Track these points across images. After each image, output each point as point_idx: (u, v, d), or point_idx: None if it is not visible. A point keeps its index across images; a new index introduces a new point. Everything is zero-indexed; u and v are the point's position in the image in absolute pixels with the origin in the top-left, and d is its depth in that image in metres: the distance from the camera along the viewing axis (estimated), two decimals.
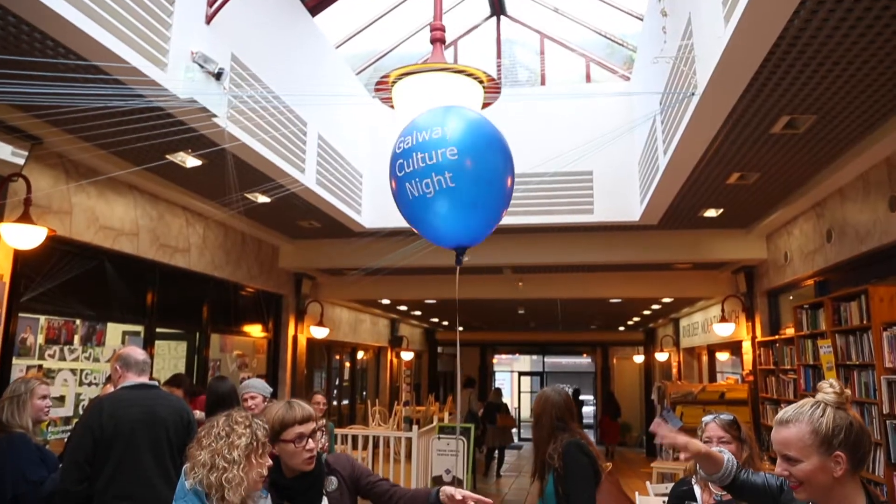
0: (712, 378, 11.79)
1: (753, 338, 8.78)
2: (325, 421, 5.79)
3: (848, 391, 1.87)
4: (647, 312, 14.18)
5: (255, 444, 2.17)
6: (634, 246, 8.18)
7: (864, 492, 1.80)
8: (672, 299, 11.66)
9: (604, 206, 7.13)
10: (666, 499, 2.92)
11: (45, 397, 3.69)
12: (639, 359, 18.47)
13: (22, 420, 3.54)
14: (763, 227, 7.60)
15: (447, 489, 2.35)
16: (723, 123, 4.52)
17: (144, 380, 3.56)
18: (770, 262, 8.10)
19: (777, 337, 7.98)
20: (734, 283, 9.41)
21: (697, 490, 2.72)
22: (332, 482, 2.55)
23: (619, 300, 11.82)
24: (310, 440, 2.45)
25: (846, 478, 1.78)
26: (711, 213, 7.14)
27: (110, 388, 3.74)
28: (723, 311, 9.38)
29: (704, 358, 12.82)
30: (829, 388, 1.85)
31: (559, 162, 6.27)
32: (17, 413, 3.53)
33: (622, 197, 7.09)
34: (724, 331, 9.37)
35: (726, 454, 2.14)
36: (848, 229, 5.91)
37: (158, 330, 7.07)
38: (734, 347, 10.43)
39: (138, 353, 3.64)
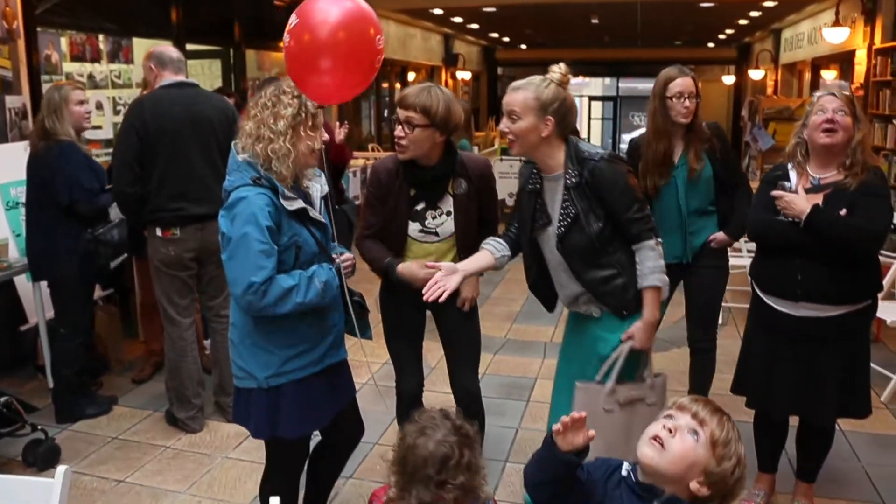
0: None
1: (870, 45, 8.32)
2: None
3: (570, 76, 2.48)
4: (743, 22, 13.39)
5: (303, 114, 2.26)
6: None
7: (565, 149, 2.50)
8: (776, 2, 10.93)
9: None
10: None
11: (82, 103, 3.84)
12: (729, 80, 17.87)
13: (63, 128, 3.73)
14: None
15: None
16: None
17: (182, 78, 3.68)
18: None
19: None
20: None
21: (793, 174, 2.78)
22: (461, 185, 2.81)
23: (712, 4, 11.13)
24: (400, 126, 2.69)
25: (552, 139, 2.47)
26: None
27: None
28: (837, 14, 8.79)
29: (807, 75, 12.31)
30: (557, 69, 2.47)
31: None
32: (58, 121, 3.72)
33: None
34: (835, 37, 8.85)
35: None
36: None
37: (189, 47, 7.08)
38: (844, 61, 9.93)
39: (172, 50, 3.72)
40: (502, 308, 6.02)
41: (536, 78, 2.48)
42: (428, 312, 3.02)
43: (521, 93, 2.45)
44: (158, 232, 3.62)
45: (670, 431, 1.50)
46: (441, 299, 2.45)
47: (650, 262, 2.49)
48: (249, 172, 2.23)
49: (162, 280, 3.71)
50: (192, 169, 3.58)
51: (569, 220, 2.50)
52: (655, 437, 1.51)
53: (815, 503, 3.07)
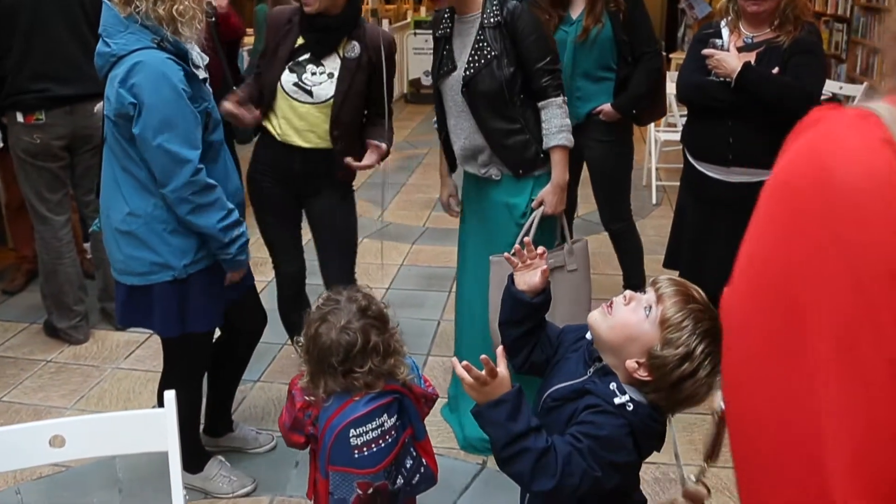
0: None
1: None
2: None
3: None
4: None
5: None
6: None
7: None
8: None
9: None
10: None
11: None
12: None
13: None
14: None
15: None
16: None
17: None
18: None
19: None
20: None
21: (725, 32, 2.84)
22: (355, 48, 2.76)
23: None
24: None
25: None
26: None
27: None
28: None
29: None
30: None
31: None
32: None
33: None
34: None
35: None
36: None
37: None
38: None
39: None
40: (420, 195, 6.05)
41: None
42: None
43: None
44: (20, 117, 3.46)
45: (626, 300, 1.50)
46: None
47: (557, 121, 2.61)
48: (147, 34, 2.16)
49: (28, 174, 3.56)
50: (56, 44, 3.41)
51: (481, 61, 2.57)
52: (611, 304, 1.51)
53: None
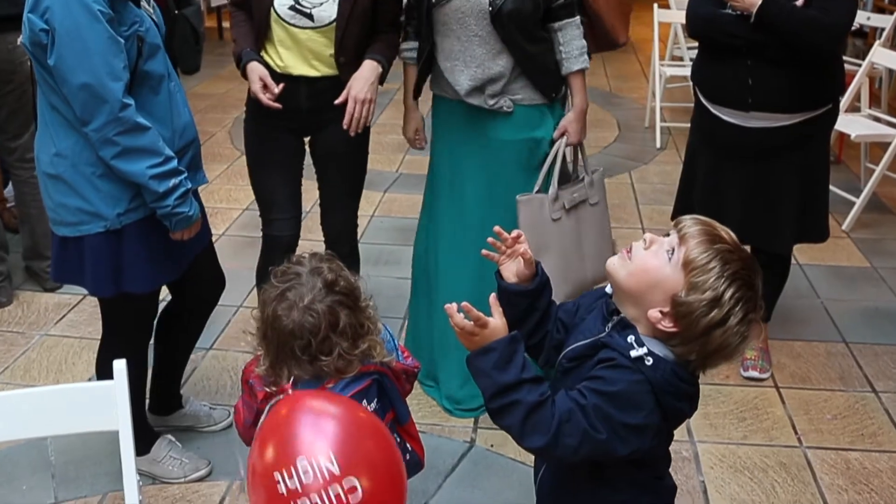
0: None
1: None
2: None
3: None
4: None
5: None
6: None
7: None
8: None
9: None
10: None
11: None
12: None
13: None
14: None
15: None
16: None
17: None
18: None
19: None
20: None
21: None
22: None
23: None
24: None
25: None
26: None
27: None
28: None
29: None
30: None
31: None
32: None
33: None
34: None
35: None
36: None
37: None
38: None
39: None
40: (392, 136, 5.97)
41: None
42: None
43: None
44: None
45: (647, 243, 1.51)
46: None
47: (578, 42, 2.72)
48: None
49: None
50: None
51: None
52: (630, 248, 1.52)
53: (770, 346, 3.32)
